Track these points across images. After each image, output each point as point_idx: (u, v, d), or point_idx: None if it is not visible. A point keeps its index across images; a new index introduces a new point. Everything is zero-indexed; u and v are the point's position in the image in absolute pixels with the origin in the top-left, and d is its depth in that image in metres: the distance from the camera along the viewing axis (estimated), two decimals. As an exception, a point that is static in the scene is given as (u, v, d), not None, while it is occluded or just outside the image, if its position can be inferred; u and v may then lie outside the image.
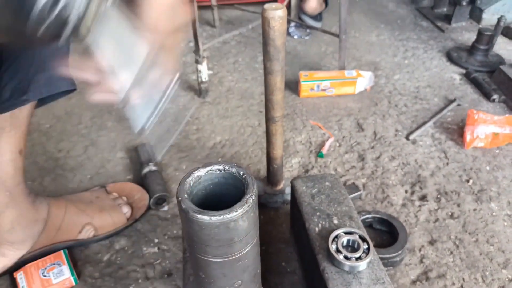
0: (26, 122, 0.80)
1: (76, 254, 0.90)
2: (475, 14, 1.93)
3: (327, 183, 0.82)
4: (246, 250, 0.47)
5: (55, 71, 0.79)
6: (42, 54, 0.76)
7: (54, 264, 0.85)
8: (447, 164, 1.15)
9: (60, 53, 0.80)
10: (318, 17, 1.89)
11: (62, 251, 0.87)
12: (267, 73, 0.79)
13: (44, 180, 1.09)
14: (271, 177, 0.99)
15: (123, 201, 0.98)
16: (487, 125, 1.16)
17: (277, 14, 0.71)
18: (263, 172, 1.10)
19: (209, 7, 1.90)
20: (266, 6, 0.72)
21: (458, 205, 1.03)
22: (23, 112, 0.78)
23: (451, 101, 1.38)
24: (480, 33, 1.56)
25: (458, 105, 1.37)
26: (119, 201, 0.97)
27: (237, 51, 1.72)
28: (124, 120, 1.31)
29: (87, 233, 0.88)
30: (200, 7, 2.01)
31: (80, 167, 1.14)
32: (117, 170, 1.13)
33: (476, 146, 1.19)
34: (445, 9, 2.04)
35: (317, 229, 0.73)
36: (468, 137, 1.18)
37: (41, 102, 0.83)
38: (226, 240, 0.43)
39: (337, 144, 1.22)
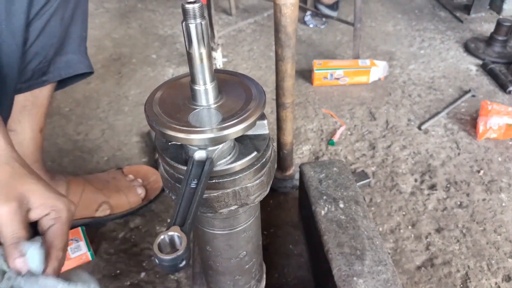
0: (47, 102, 0.84)
1: (93, 231, 0.94)
2: (496, 5, 1.89)
3: (335, 169, 0.84)
4: (250, 222, 0.50)
5: (74, 54, 0.83)
6: (61, 37, 0.79)
7: (72, 240, 0.89)
8: (459, 154, 1.15)
9: (79, 38, 0.84)
10: (334, 6, 1.88)
11: (79, 228, 0.91)
12: (278, 59, 0.80)
13: (63, 161, 1.14)
14: (281, 162, 1.01)
15: (139, 182, 1.01)
16: (500, 116, 1.16)
17: (288, 1, 0.73)
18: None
19: (226, -5, 1.91)
20: (278, -7, 0.73)
21: (468, 195, 1.03)
22: (43, 92, 0.82)
23: (466, 92, 1.37)
24: (499, 24, 1.53)
25: (473, 96, 1.36)
26: (134, 183, 1.01)
27: (252, 39, 1.74)
28: (140, 106, 1.35)
29: (103, 211, 0.92)
30: (217, -5, 2.03)
31: (98, 149, 1.18)
32: (133, 153, 1.17)
33: (489, 137, 1.18)
34: (464, 0, 2.00)
35: (323, 212, 0.75)
36: (481, 128, 1.17)
37: (61, 84, 0.87)
38: (231, 213, 0.46)
39: (349, 133, 1.23)
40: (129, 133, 1.23)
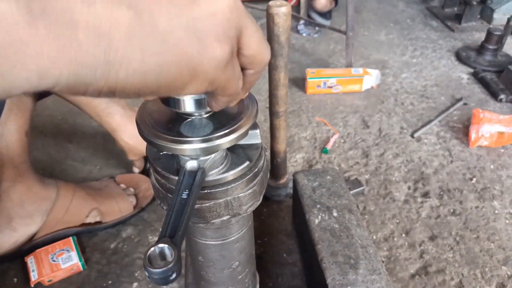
0: (31, 106, 0.85)
1: (84, 241, 0.93)
2: (486, 14, 1.92)
3: (328, 177, 0.84)
4: (243, 232, 0.49)
5: None
6: None
7: (63, 250, 0.88)
8: (451, 162, 1.16)
9: None
10: (327, 15, 1.90)
11: (71, 238, 0.90)
12: (271, 68, 0.81)
13: (54, 170, 1.13)
14: (274, 170, 1.01)
15: (131, 191, 1.01)
16: (492, 124, 1.17)
17: (281, 10, 0.73)
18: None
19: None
20: (271, 2, 0.74)
21: (461, 203, 1.03)
22: (27, 98, 0.83)
23: (458, 100, 1.39)
24: (489, 33, 1.55)
25: (465, 104, 1.37)
26: (126, 191, 1.00)
27: (246, 48, 1.74)
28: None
29: (94, 217, 0.91)
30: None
31: (90, 158, 1.17)
32: (126, 162, 1.16)
33: (481, 145, 1.19)
34: (455, 9, 2.03)
35: (316, 220, 0.75)
36: (473, 135, 1.18)
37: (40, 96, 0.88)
38: (223, 223, 0.45)
39: (342, 141, 1.24)
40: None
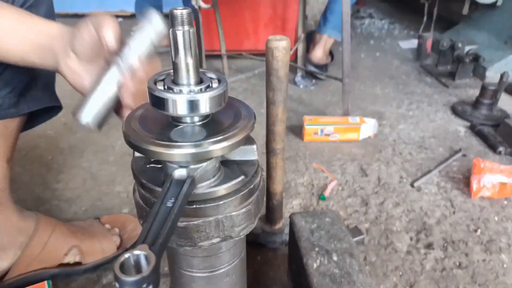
0: (15, 134, 0.81)
1: (61, 286, 0.85)
2: (479, 72, 1.97)
3: (327, 219, 0.79)
4: (234, 263, 0.44)
5: (42, 90, 0.82)
6: (31, 71, 0.78)
7: (36, 295, 0.80)
8: (454, 213, 1.11)
9: (48, 75, 0.84)
10: (323, 68, 1.94)
11: (45, 282, 0.82)
12: (269, 103, 0.79)
13: (38, 209, 1.06)
14: (270, 214, 0.96)
15: (115, 232, 0.95)
16: (493, 174, 1.14)
17: (281, 44, 0.73)
18: (262, 210, 1.07)
19: (219, 56, 1.97)
20: (271, 37, 0.74)
21: (466, 255, 0.97)
22: (13, 124, 0.80)
23: (456, 152, 1.37)
24: (484, 88, 1.58)
25: (464, 155, 1.35)
26: (112, 232, 0.94)
27: (244, 97, 1.75)
28: (126, 156, 1.31)
29: (73, 256, 0.84)
30: (210, 56, 2.09)
31: (77, 199, 1.11)
32: (113, 203, 1.11)
33: (483, 196, 1.15)
34: (448, 67, 2.09)
35: (315, 265, 0.69)
36: (474, 186, 1.15)
37: (29, 125, 0.85)
38: (213, 250, 0.40)
39: (340, 188, 1.20)
40: (111, 183, 1.18)
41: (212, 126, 0.37)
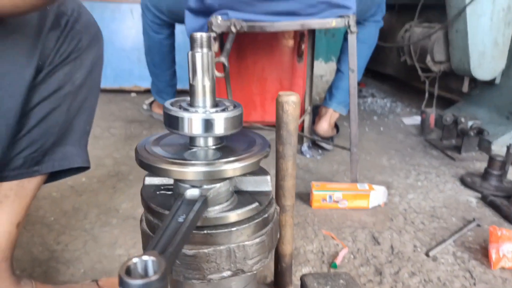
0: (32, 194, 0.78)
1: None
2: (484, 146, 1.98)
3: (341, 281, 0.74)
4: None
5: (73, 147, 0.81)
6: (63, 127, 0.78)
7: None
8: (474, 284, 1.04)
9: (82, 131, 0.83)
10: (329, 140, 1.97)
11: None
12: (279, 157, 0.79)
13: (35, 271, 1.02)
14: (279, 278, 0.90)
15: (114, 297, 0.88)
16: (512, 242, 1.08)
17: (291, 99, 0.75)
18: (270, 278, 1.01)
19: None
20: (281, 92, 0.76)
21: (493, 330, 0.89)
22: (31, 183, 0.77)
23: (470, 221, 1.32)
24: (492, 158, 1.57)
25: (478, 225, 1.31)
26: (109, 297, 0.88)
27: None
28: (130, 219, 1.28)
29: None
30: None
31: (75, 261, 1.06)
32: (113, 267, 1.05)
33: (504, 267, 1.09)
34: (453, 141, 2.11)
35: (329, 329, 0.63)
36: (493, 256, 1.09)
37: (52, 178, 0.83)
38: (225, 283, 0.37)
39: (352, 256, 1.14)
40: (113, 246, 1.13)
41: (226, 150, 0.37)
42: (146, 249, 0.26)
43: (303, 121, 1.96)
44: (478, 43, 1.97)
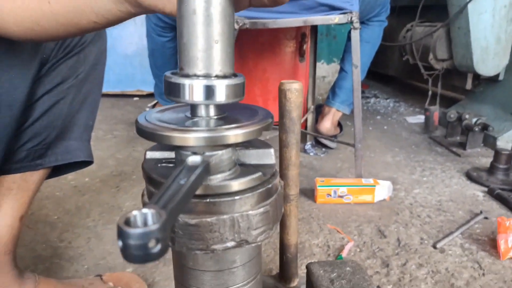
0: (35, 188, 0.78)
1: None
2: (489, 142, 1.97)
3: (347, 268, 0.73)
4: (249, 285, 0.39)
5: (76, 141, 0.81)
6: (66, 120, 0.78)
7: None
8: (483, 274, 1.02)
9: (84, 125, 0.83)
10: (333, 138, 1.96)
11: None
12: (282, 146, 0.78)
13: (37, 267, 1.01)
14: (284, 270, 0.88)
15: (118, 291, 0.88)
16: (521, 233, 1.07)
17: (293, 86, 0.74)
18: (276, 271, 0.99)
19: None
20: (283, 81, 0.76)
21: (504, 320, 0.87)
22: (34, 177, 0.76)
23: (477, 214, 1.31)
24: (497, 153, 1.56)
25: (486, 218, 1.29)
26: (113, 291, 0.87)
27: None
28: (133, 216, 1.27)
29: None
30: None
31: (79, 257, 1.06)
32: (117, 262, 1.04)
33: (513, 257, 1.07)
34: (458, 138, 2.09)
35: (337, 314, 0.62)
36: (502, 246, 1.07)
37: (56, 172, 0.82)
38: (227, 262, 0.36)
39: (358, 249, 1.12)
40: (116, 242, 1.12)
41: (229, 119, 0.36)
42: (146, 204, 0.26)
43: (306, 120, 1.95)
44: (481, 39, 1.96)
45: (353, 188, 1.35)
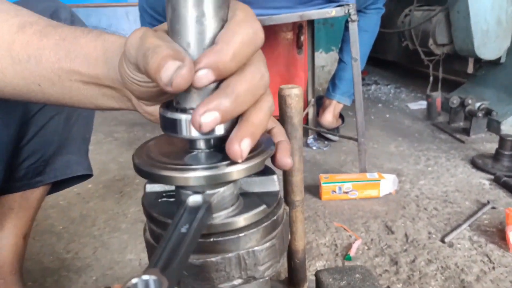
0: (36, 205, 0.77)
1: None
2: (493, 126, 1.94)
3: (357, 275, 0.72)
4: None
5: (74, 155, 0.80)
6: (62, 136, 0.77)
7: None
8: (493, 268, 1.01)
9: (81, 139, 0.82)
10: (335, 131, 1.94)
11: None
12: (285, 152, 0.76)
13: (46, 281, 1.01)
14: (292, 276, 0.88)
15: (127, 303, 0.87)
16: (530, 224, 1.06)
17: (293, 92, 0.72)
18: (284, 275, 0.99)
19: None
20: (282, 86, 0.74)
21: (516, 315, 0.87)
22: (35, 194, 0.76)
23: (485, 204, 1.30)
24: (502, 139, 1.54)
25: (493, 207, 1.28)
26: (122, 303, 0.87)
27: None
28: (138, 223, 1.26)
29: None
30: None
31: (87, 268, 1.05)
32: (125, 272, 1.04)
33: (522, 249, 1.06)
34: (461, 123, 2.07)
35: (348, 325, 0.61)
36: (511, 238, 1.06)
37: (55, 188, 0.81)
38: None
39: (366, 247, 1.12)
40: (123, 251, 1.12)
41: None
42: (147, 267, 0.24)
43: (307, 114, 1.93)
44: (481, 22, 1.93)
45: (358, 184, 1.34)
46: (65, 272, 1.04)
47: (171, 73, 0.27)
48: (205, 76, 0.28)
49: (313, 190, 1.42)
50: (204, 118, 0.28)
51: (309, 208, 1.32)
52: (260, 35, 0.31)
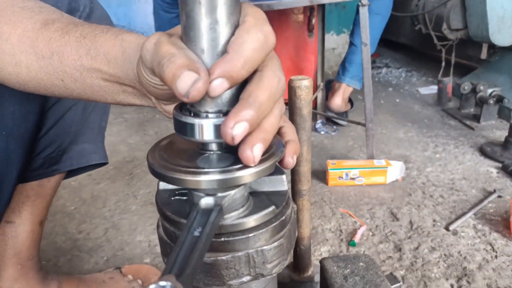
0: (52, 192, 0.79)
1: None
2: (504, 113, 1.93)
3: (361, 264, 0.74)
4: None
5: (90, 144, 0.81)
6: (79, 125, 0.78)
7: None
8: (496, 257, 1.03)
9: (98, 127, 0.83)
10: (343, 115, 1.94)
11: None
12: (293, 142, 0.77)
13: (59, 260, 1.05)
14: (298, 261, 0.90)
15: (138, 284, 0.91)
16: (535, 214, 1.06)
17: (303, 83, 0.72)
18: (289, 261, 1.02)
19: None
20: (292, 77, 0.74)
21: (517, 304, 0.88)
22: (51, 182, 0.78)
23: (491, 193, 1.30)
24: (512, 127, 1.53)
25: (499, 196, 1.28)
26: (133, 284, 0.90)
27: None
28: (148, 205, 1.29)
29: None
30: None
31: (98, 249, 1.09)
32: (135, 253, 1.07)
33: (526, 239, 1.07)
34: (472, 110, 2.05)
35: (351, 312, 0.63)
36: (516, 228, 1.07)
37: (71, 173, 0.83)
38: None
39: (370, 233, 1.14)
40: (133, 232, 1.16)
41: None
42: (163, 272, 0.26)
43: (316, 98, 1.93)
44: (497, 8, 1.88)
45: (365, 170, 1.35)
46: (77, 252, 1.08)
47: (188, 86, 0.28)
48: (220, 86, 0.29)
49: (320, 175, 1.44)
50: (235, 131, 0.29)
51: (316, 193, 1.33)
52: (271, 39, 0.32)
